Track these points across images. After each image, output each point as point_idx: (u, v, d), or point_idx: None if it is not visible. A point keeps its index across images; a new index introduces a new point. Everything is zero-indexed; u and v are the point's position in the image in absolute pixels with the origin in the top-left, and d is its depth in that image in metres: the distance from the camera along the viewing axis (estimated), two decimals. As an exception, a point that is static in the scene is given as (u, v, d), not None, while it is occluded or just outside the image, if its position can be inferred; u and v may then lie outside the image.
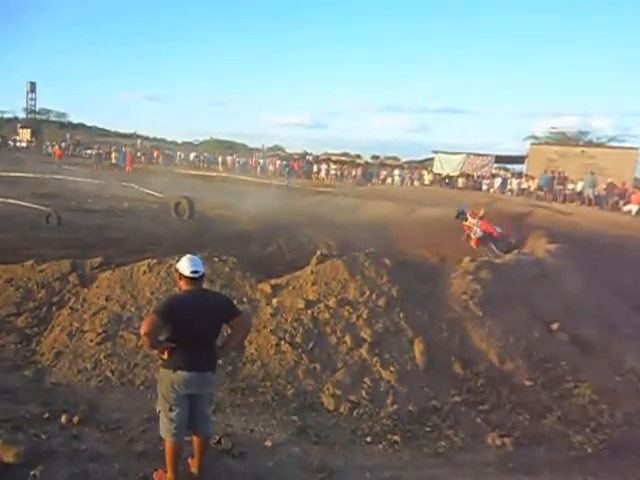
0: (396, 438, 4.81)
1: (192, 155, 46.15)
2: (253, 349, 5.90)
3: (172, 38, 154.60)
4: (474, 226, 10.74)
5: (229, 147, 60.73)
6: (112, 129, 77.65)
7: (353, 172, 36.81)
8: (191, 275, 3.67)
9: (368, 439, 4.79)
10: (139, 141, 59.99)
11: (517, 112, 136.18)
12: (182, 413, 3.66)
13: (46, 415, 4.60)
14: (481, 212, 11.16)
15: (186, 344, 3.61)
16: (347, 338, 5.95)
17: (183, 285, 3.73)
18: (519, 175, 30.22)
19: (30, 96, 63.63)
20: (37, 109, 66.15)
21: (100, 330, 6.10)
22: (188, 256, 3.78)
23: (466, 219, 10.96)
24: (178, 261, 3.80)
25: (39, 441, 4.13)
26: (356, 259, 6.94)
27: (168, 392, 3.64)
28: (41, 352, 6.04)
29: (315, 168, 38.81)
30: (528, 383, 5.85)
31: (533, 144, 33.39)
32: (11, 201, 14.74)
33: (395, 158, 48.95)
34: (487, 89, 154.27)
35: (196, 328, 3.60)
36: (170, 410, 3.64)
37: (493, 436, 4.93)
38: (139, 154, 44.45)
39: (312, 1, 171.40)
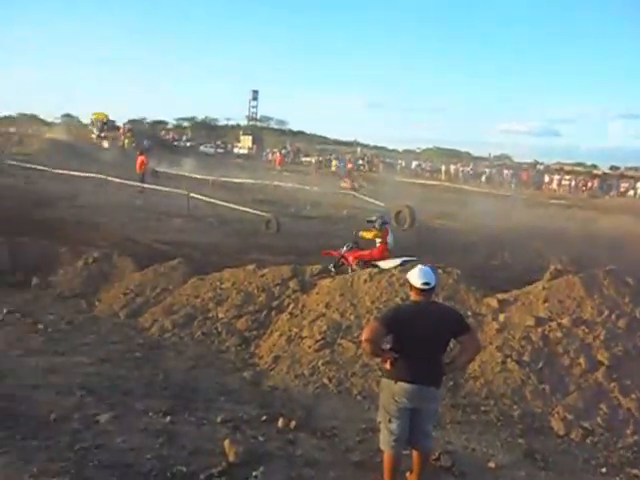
0: (636, 472, 4.89)
1: (414, 163, 50.43)
2: (477, 365, 6.21)
3: (395, 43, 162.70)
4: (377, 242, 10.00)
5: (452, 155, 63.95)
6: (331, 137, 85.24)
7: (589, 184, 38.52)
8: (422, 287, 4.00)
9: (603, 470, 4.92)
10: (359, 149, 64.71)
11: None
12: (402, 425, 3.97)
13: (263, 418, 5.32)
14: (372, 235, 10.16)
15: (410, 356, 3.93)
16: (581, 360, 6.16)
17: (413, 296, 4.11)
18: None
19: (252, 104, 74.14)
20: (258, 117, 76.64)
21: (319, 337, 6.82)
22: (419, 266, 4.15)
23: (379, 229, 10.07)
24: (402, 271, 4.14)
25: (256, 442, 4.83)
26: (594, 276, 7.13)
27: (389, 403, 3.99)
28: (260, 355, 7.00)
29: (546, 178, 41.65)
30: None
31: None
32: (233, 206, 17.29)
33: (638, 169, 47.80)
34: None
35: (421, 340, 3.91)
36: (390, 422, 3.99)
37: None
38: (360, 162, 48.14)
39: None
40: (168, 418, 5.13)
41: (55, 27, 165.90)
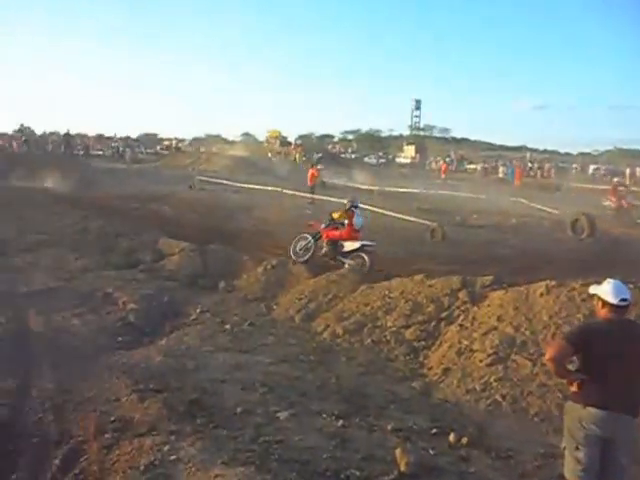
0: None
1: (591, 167, 47.10)
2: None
3: (562, 41, 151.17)
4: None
5: (639, 156, 57.76)
6: (497, 142, 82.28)
7: None
8: (620, 303, 3.64)
9: None
10: (528, 154, 61.89)
11: None
12: (591, 455, 3.60)
13: (434, 431, 5.21)
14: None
15: (601, 378, 3.58)
16: None
17: (603, 313, 3.73)
18: None
19: (415, 113, 74.32)
20: (421, 126, 76.49)
21: (490, 351, 6.54)
22: (611, 281, 3.76)
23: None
24: (584, 284, 3.79)
25: (427, 455, 4.73)
26: None
27: (575, 429, 3.65)
28: (429, 366, 6.89)
29: None
30: None
31: None
32: (398, 215, 17.33)
33: None
34: None
35: (615, 361, 3.55)
36: (577, 449, 3.63)
37: None
38: (529, 167, 45.93)
39: None
40: (340, 422, 5.23)
41: (226, 54, 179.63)
